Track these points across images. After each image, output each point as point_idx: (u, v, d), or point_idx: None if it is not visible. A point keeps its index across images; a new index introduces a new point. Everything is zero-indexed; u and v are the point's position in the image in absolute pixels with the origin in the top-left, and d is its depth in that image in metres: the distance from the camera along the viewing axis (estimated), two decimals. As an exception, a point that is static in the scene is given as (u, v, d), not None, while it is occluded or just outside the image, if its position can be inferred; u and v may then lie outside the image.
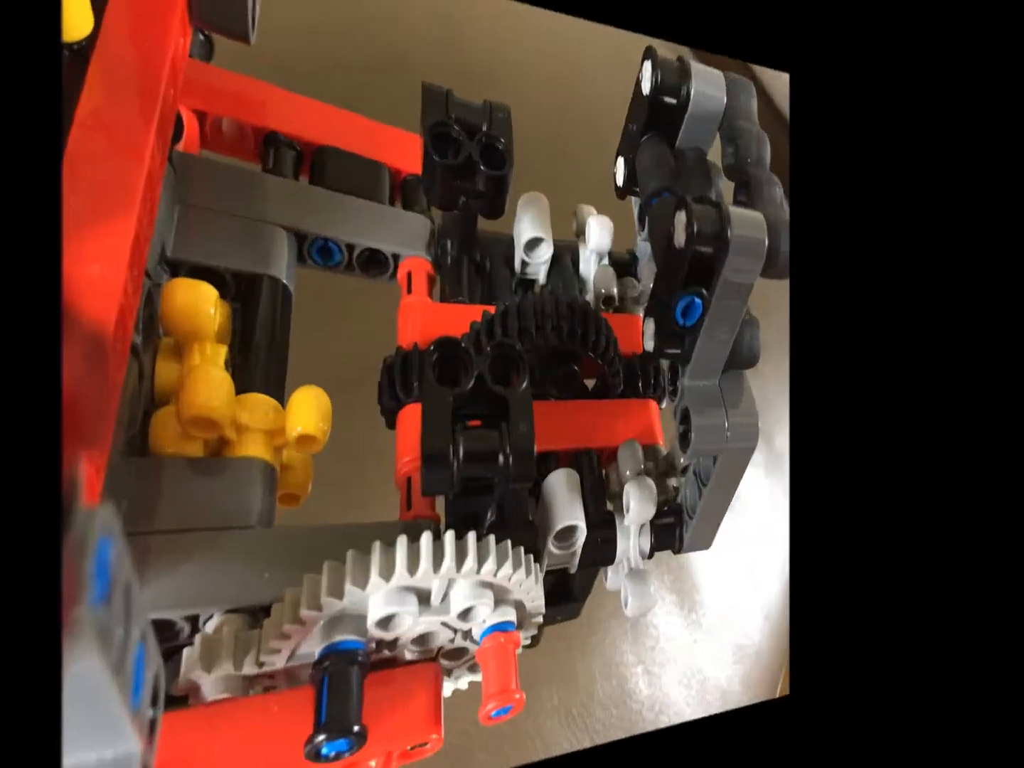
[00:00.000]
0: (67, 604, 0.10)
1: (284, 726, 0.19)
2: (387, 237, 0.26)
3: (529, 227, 0.29)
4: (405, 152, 0.29)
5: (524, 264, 0.30)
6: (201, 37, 0.26)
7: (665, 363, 0.29)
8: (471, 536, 0.20)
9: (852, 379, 0.23)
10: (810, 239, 0.24)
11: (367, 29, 0.54)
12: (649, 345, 0.22)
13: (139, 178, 0.15)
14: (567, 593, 0.31)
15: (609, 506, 0.27)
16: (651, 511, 0.25)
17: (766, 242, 0.20)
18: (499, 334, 0.24)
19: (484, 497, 0.22)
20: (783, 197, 0.23)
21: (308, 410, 0.22)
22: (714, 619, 0.51)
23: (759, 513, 0.58)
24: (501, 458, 0.20)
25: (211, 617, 0.19)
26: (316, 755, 0.19)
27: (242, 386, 0.21)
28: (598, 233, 0.31)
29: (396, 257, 0.27)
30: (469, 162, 0.25)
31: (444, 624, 0.21)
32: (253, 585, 0.19)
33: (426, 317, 0.26)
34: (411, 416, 0.24)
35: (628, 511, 0.25)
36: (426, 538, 0.19)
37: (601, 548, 0.26)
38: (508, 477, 0.20)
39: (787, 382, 0.59)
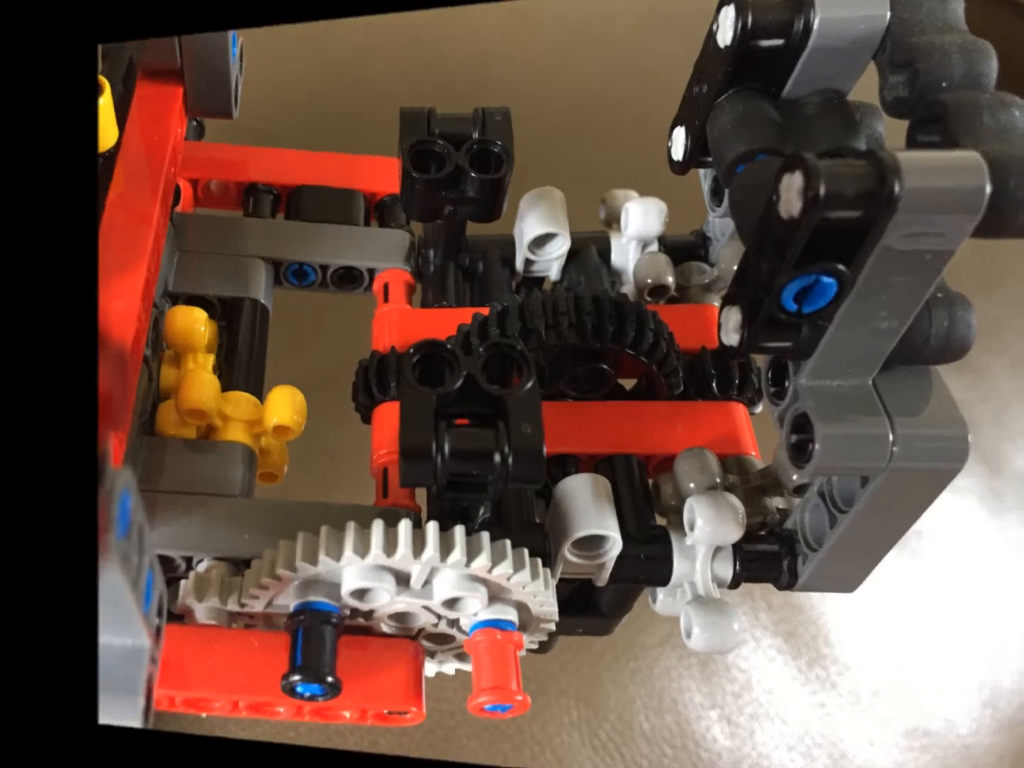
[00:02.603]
0: (101, 535, 0.13)
1: (262, 658, 0.23)
2: (360, 254, 0.31)
3: (536, 224, 0.28)
4: (379, 176, 0.33)
5: (529, 262, 0.29)
6: (194, 123, 0.33)
7: (759, 360, 0.23)
8: (459, 529, 0.21)
9: None
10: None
11: (366, 80, 0.57)
12: (731, 339, 0.19)
13: (148, 239, 0.22)
14: (591, 606, 0.28)
15: (661, 521, 0.25)
16: (732, 533, 0.22)
17: (987, 190, 0.15)
18: (495, 334, 0.24)
19: (473, 494, 0.21)
20: None
21: (283, 405, 0.27)
22: (859, 684, 0.43)
23: (970, 559, 0.47)
24: (498, 457, 0.20)
25: (202, 560, 0.24)
26: (292, 691, 0.22)
27: (227, 386, 0.27)
28: (642, 218, 0.28)
29: (372, 271, 0.31)
30: (456, 172, 0.26)
31: (426, 608, 0.22)
32: (235, 541, 0.24)
33: (404, 322, 0.29)
34: (387, 413, 0.26)
35: (694, 529, 0.23)
36: (404, 524, 0.21)
37: (645, 565, 0.24)
38: (507, 477, 0.20)
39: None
